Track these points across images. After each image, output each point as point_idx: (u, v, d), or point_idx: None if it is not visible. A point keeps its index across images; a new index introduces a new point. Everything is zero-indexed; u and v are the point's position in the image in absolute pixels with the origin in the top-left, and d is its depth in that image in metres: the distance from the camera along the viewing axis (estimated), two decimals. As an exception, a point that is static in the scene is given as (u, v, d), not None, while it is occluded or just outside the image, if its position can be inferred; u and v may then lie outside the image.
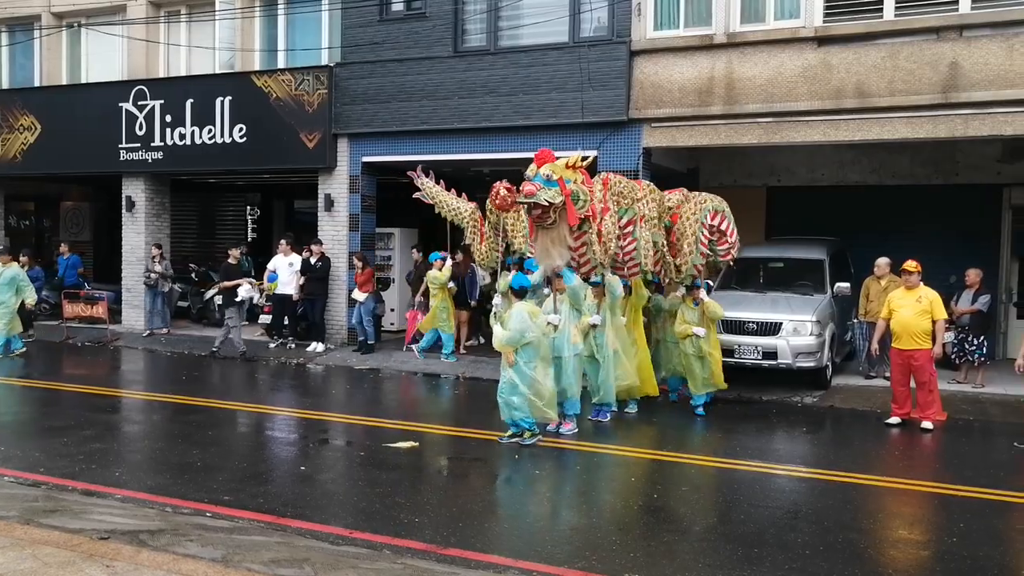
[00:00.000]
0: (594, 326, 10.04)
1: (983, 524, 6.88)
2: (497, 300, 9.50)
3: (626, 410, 10.77)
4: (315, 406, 11.38)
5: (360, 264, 14.83)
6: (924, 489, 7.81)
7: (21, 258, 16.02)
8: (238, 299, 14.87)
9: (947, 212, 14.65)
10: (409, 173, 11.36)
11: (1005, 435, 10.13)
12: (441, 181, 11.43)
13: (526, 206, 9.44)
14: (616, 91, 13.22)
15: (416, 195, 11.33)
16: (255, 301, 15.59)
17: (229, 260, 15.22)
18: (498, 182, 9.62)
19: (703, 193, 11.17)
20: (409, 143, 14.98)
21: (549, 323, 9.45)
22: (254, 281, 15.31)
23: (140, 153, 17.23)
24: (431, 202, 11.26)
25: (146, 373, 14.17)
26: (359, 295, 14.75)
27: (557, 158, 9.62)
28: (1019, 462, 9.13)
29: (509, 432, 9.23)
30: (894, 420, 10.33)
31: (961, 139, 12.21)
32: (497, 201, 9.56)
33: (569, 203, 9.35)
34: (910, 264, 10.38)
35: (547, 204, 9.25)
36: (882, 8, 11.97)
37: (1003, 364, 13.87)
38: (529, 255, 10.27)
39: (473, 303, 15.28)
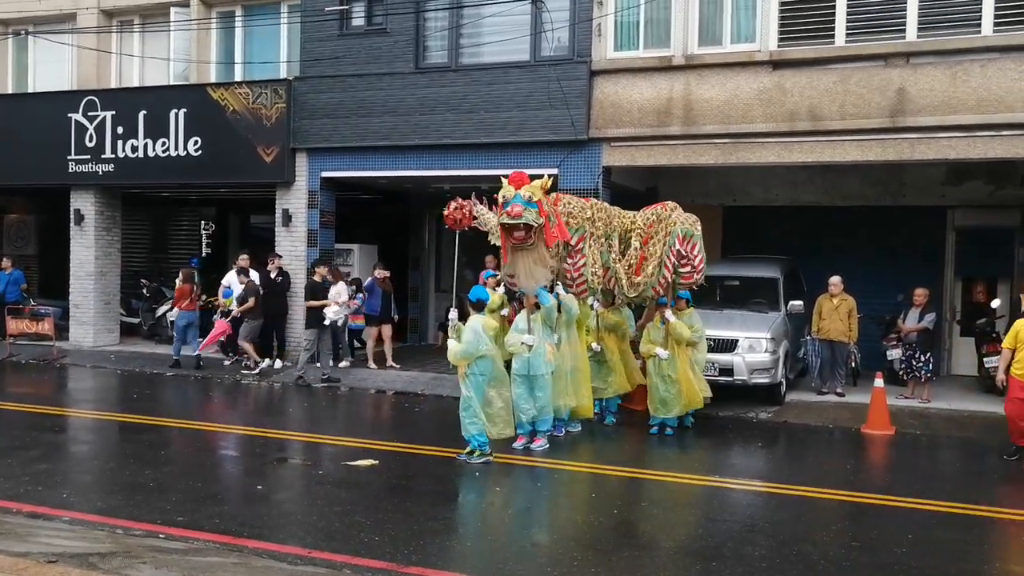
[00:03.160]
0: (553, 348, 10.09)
1: (931, 535, 7.05)
2: (452, 315, 9.47)
3: (568, 428, 10.72)
4: (272, 424, 11.22)
5: (179, 280, 14.69)
6: (875, 502, 7.96)
7: None
8: (326, 322, 13.87)
9: (895, 232, 15.03)
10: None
11: (951, 448, 10.42)
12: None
13: (506, 227, 9.43)
14: (577, 110, 13.35)
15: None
16: (339, 323, 14.39)
17: (314, 278, 14.15)
18: (452, 201, 9.56)
19: (677, 213, 11.08)
20: (369, 159, 14.93)
21: (523, 343, 9.47)
22: (339, 301, 14.16)
23: (90, 165, 16.90)
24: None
25: (95, 391, 13.83)
26: (173, 313, 14.69)
27: (532, 178, 9.64)
28: (965, 475, 9.39)
29: (468, 448, 9.22)
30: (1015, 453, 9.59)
31: (908, 162, 12.56)
32: (451, 220, 9.48)
33: (547, 224, 9.47)
34: None
35: (532, 225, 9.31)
36: (834, 34, 12.29)
37: (948, 380, 14.26)
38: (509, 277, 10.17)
39: (396, 317, 15.51)
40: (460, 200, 9.68)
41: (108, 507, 7.38)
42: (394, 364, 15.00)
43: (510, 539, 7.09)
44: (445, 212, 9.65)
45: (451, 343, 9.07)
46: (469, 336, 8.91)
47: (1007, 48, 11.53)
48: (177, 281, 14.89)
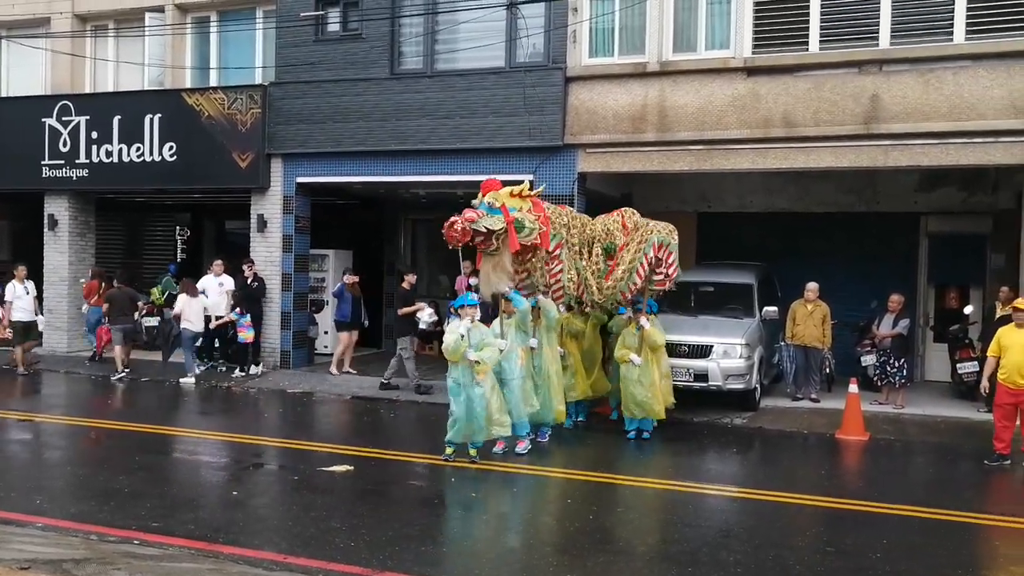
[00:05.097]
0: (531, 349, 10.13)
1: (905, 540, 7.12)
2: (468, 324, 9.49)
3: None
4: (247, 430, 11.17)
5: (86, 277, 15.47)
6: (848, 507, 8.02)
7: None
8: (422, 326, 13.90)
9: (869, 239, 15.17)
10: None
11: (924, 454, 10.52)
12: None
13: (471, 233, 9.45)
14: (552, 116, 13.39)
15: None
16: (426, 327, 14.36)
17: (403, 286, 13.94)
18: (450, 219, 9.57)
19: (653, 222, 11.12)
20: (345, 164, 14.89)
21: (496, 347, 9.51)
22: (425, 305, 14.17)
23: (64, 170, 16.74)
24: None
25: (69, 397, 13.70)
26: (84, 309, 15.85)
27: (504, 185, 9.64)
28: (939, 480, 9.49)
29: (451, 450, 9.23)
30: (996, 459, 9.63)
31: (882, 169, 12.68)
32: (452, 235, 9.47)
33: (511, 230, 9.44)
34: (1020, 302, 9.75)
35: (485, 231, 9.31)
36: (807, 41, 12.41)
37: (921, 385, 14.41)
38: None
39: (367, 323, 15.47)
40: (456, 216, 9.65)
41: (81, 513, 7.32)
42: (350, 369, 15.00)
43: (486, 544, 7.09)
44: (448, 232, 9.56)
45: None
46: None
47: (979, 56, 11.68)
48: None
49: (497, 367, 9.58)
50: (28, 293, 15.21)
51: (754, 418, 12.06)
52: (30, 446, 10.15)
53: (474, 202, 9.52)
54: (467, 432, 9.17)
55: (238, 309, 14.81)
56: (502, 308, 9.88)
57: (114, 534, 6.76)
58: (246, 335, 14.79)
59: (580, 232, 10.94)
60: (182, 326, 14.54)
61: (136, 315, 15.74)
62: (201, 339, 15.07)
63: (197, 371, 14.61)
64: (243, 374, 14.80)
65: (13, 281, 15.11)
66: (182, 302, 14.56)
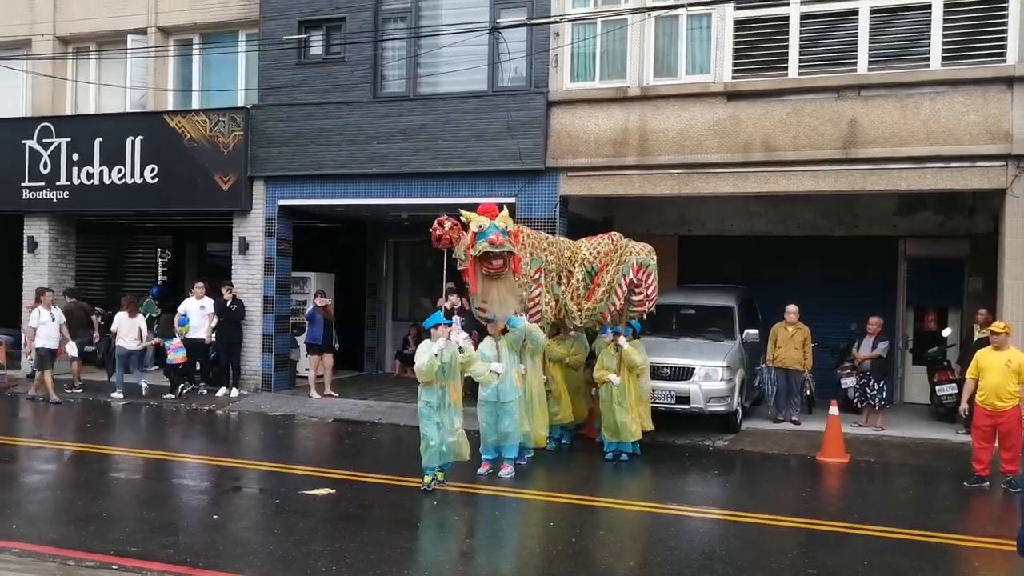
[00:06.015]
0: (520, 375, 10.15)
1: (885, 561, 7.14)
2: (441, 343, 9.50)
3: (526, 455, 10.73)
4: (228, 453, 11.08)
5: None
6: (829, 528, 8.05)
7: None
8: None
9: (848, 262, 15.30)
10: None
11: (904, 475, 10.57)
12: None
13: (483, 257, 9.48)
14: (534, 140, 13.48)
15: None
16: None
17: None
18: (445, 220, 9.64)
19: (632, 243, 11.22)
20: (327, 187, 14.91)
21: (492, 371, 9.53)
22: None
23: (44, 192, 16.65)
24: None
25: (47, 420, 13.54)
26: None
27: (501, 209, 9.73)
28: (918, 501, 9.53)
29: (430, 477, 9.19)
30: (975, 481, 9.74)
31: (861, 193, 12.83)
32: (443, 237, 9.52)
33: (517, 254, 9.70)
34: (997, 325, 9.91)
35: (510, 254, 9.49)
36: (787, 66, 12.56)
37: (901, 408, 14.49)
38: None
39: (337, 346, 15.45)
40: (453, 219, 9.69)
41: (59, 538, 7.24)
42: (332, 392, 14.93)
43: (468, 568, 7.05)
44: (438, 232, 9.56)
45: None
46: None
47: (955, 82, 11.86)
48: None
49: (494, 390, 9.62)
50: (54, 320, 14.87)
51: (735, 440, 12.09)
52: (6, 470, 10.00)
53: (481, 225, 9.45)
54: (438, 456, 9.09)
55: (155, 340, 15.13)
56: (495, 330, 9.88)
57: (92, 559, 6.68)
58: (174, 356, 14.86)
59: (557, 257, 11.03)
60: (116, 343, 14.67)
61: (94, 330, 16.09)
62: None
63: (144, 386, 14.87)
64: (174, 396, 14.87)
65: (39, 307, 14.88)
66: (118, 319, 14.74)
